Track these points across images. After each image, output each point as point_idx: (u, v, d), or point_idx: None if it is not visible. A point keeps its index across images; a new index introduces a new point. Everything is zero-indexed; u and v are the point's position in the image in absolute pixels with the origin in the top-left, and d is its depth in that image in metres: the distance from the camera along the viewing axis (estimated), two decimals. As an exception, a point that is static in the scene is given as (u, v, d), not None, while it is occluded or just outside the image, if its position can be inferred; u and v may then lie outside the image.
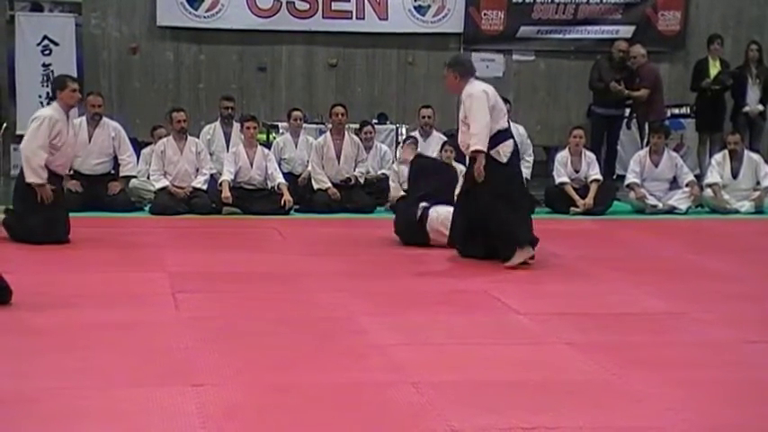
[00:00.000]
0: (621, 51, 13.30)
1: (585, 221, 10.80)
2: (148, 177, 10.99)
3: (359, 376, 4.94)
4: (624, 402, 4.63)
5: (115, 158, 10.94)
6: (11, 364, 4.98)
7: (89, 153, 10.80)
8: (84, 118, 10.95)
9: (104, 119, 10.94)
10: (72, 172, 10.78)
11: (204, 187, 10.87)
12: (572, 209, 11.20)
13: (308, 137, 11.94)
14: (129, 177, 10.93)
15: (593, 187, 11.34)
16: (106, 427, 4.11)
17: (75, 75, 13.11)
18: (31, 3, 13.52)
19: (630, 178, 11.62)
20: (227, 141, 11.67)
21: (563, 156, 11.58)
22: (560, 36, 15.07)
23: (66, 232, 8.56)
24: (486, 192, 7.96)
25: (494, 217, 7.99)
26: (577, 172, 11.48)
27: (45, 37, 13.26)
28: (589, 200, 11.22)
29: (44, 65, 13.27)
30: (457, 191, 8.80)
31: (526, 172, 11.76)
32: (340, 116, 11.32)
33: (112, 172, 10.96)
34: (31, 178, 8.47)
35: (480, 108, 7.92)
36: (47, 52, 13.28)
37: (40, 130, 8.46)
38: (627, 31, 14.80)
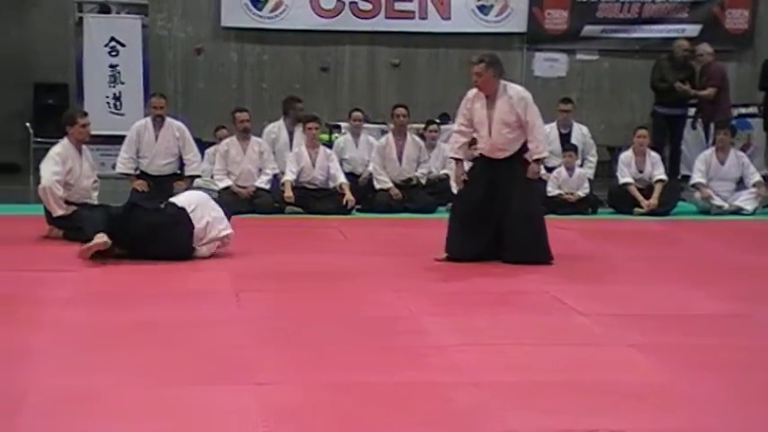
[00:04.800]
0: (686, 50, 13.14)
1: (650, 222, 10.69)
2: (212, 177, 11.08)
3: (419, 376, 4.94)
4: (685, 405, 4.58)
5: (180, 158, 11.06)
6: (75, 361, 5.07)
7: (156, 154, 10.93)
8: (149, 119, 11.09)
9: (168, 119, 11.06)
10: (138, 172, 10.93)
11: (267, 187, 10.94)
12: (636, 209, 11.10)
13: (368, 137, 11.97)
14: (193, 177, 11.03)
15: (658, 187, 11.23)
16: (168, 425, 4.16)
17: (141, 76, 13.40)
18: (98, 5, 13.73)
19: (696, 178, 11.47)
20: (291, 140, 11.71)
21: (627, 156, 11.48)
22: (625, 35, 14.95)
23: None
24: (533, 194, 8.11)
25: (536, 219, 8.03)
26: (641, 172, 11.37)
27: (112, 38, 13.45)
28: (653, 200, 11.11)
29: (111, 66, 13.46)
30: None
31: (589, 172, 11.71)
32: (402, 117, 11.35)
33: (178, 172, 11.08)
34: (57, 213, 8.56)
35: (538, 114, 7.98)
36: (114, 53, 13.47)
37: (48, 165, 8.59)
38: (693, 29, 14.63)
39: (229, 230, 8.13)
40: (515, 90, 8.01)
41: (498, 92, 7.94)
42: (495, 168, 8.02)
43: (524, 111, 7.88)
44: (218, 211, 8.17)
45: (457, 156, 8.30)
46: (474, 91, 8.05)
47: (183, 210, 7.92)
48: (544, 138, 8.19)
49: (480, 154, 8.19)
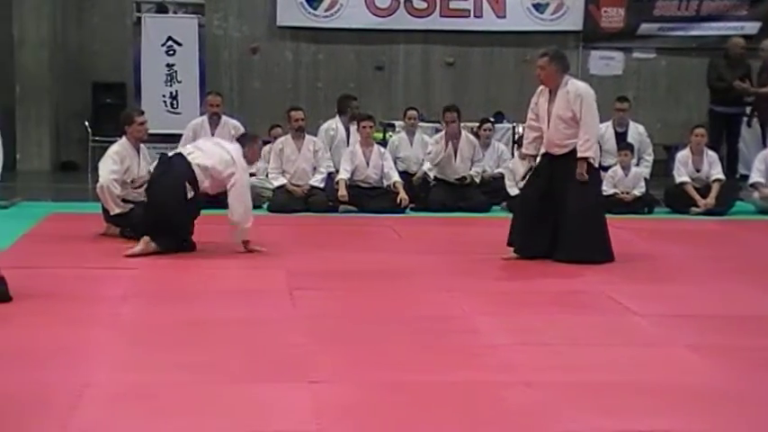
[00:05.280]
0: (742, 48, 12.97)
1: (707, 222, 10.58)
2: (267, 176, 11.14)
3: (472, 376, 4.93)
4: (742, 407, 4.51)
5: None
6: (131, 358, 5.13)
7: (213, 152, 11.01)
8: (205, 117, 11.19)
9: (224, 117, 11.15)
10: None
11: (321, 185, 10.97)
12: (693, 209, 10.99)
13: (423, 135, 11.95)
14: (249, 174, 11.08)
15: (715, 187, 11.11)
16: (223, 422, 4.19)
17: (197, 75, 13.52)
18: (156, 4, 13.87)
19: (755, 177, 11.32)
20: (348, 137, 11.74)
21: (684, 155, 11.36)
22: (682, 33, 14.81)
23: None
24: (588, 194, 7.93)
25: (591, 218, 7.92)
26: (699, 171, 11.25)
27: (169, 38, 13.58)
28: (710, 200, 10.99)
29: (168, 65, 13.58)
30: (514, 191, 8.78)
31: (645, 171, 11.60)
32: (451, 123, 11.23)
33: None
34: (114, 211, 8.65)
35: (595, 112, 7.92)
36: (171, 53, 13.59)
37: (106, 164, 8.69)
38: (752, 27, 14.46)
39: (232, 170, 7.96)
40: (575, 86, 7.95)
41: (560, 87, 7.91)
42: (555, 165, 7.99)
43: (579, 108, 7.82)
44: (229, 152, 8.12)
45: (527, 151, 8.29)
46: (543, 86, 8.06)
47: (175, 155, 8.20)
48: (593, 137, 7.96)
49: (545, 150, 8.16)
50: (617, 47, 14.91)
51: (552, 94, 7.95)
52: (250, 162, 8.47)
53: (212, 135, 10.98)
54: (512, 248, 8.03)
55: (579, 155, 7.86)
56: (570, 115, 7.86)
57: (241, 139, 8.58)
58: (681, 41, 14.86)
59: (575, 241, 7.84)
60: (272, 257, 7.98)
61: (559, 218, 7.92)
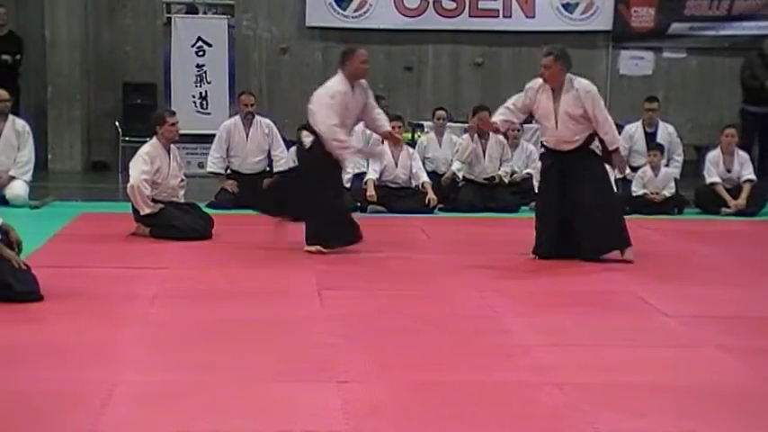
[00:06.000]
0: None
1: (737, 222, 10.52)
2: (295, 175, 11.14)
3: (503, 376, 4.92)
4: (776, 410, 4.49)
5: (269, 155, 11.16)
6: (161, 357, 5.15)
7: (247, 152, 11.04)
8: (237, 117, 11.21)
9: (257, 117, 11.18)
10: (230, 172, 11.05)
11: (347, 186, 10.95)
12: (723, 209, 10.93)
13: (452, 136, 11.93)
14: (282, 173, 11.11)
15: (746, 188, 11.04)
16: (252, 422, 4.20)
17: (226, 75, 13.58)
18: (186, 5, 13.94)
19: (786, 178, 11.26)
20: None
21: (715, 155, 11.30)
22: (714, 33, 14.71)
23: (207, 228, 8.83)
24: (602, 187, 7.96)
25: (607, 211, 7.91)
26: (729, 172, 11.19)
27: (199, 38, 13.65)
28: (741, 200, 10.93)
29: (198, 65, 13.65)
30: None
31: (675, 172, 11.54)
32: (482, 120, 11.19)
33: (267, 169, 11.17)
34: (145, 211, 8.70)
35: (604, 106, 7.92)
36: (201, 53, 13.66)
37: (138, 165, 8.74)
38: (785, 27, 14.35)
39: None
40: (582, 84, 7.94)
41: (564, 85, 7.88)
42: (564, 163, 7.97)
43: (592, 105, 7.82)
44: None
45: (495, 117, 8.43)
46: (539, 81, 7.99)
47: None
48: (614, 128, 8.05)
49: (547, 147, 8.14)
50: (647, 46, 14.83)
51: (556, 92, 7.93)
52: (354, 76, 8.26)
53: (246, 135, 11.03)
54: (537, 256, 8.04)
55: (611, 147, 7.92)
56: (581, 112, 7.85)
57: (341, 62, 8.32)
58: (712, 41, 14.77)
59: (595, 236, 7.83)
60: (300, 258, 8.00)
61: (575, 218, 7.90)
